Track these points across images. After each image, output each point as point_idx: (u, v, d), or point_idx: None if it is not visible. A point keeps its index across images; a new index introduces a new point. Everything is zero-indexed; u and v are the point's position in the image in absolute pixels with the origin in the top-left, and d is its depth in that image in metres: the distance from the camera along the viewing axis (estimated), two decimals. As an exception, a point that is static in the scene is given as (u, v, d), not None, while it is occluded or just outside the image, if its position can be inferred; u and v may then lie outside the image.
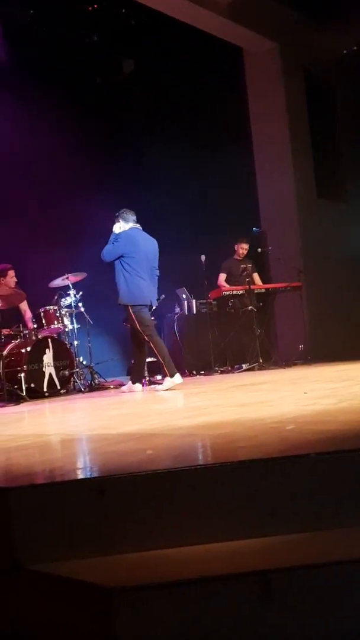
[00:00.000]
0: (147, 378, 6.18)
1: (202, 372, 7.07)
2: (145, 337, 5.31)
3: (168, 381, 5.25)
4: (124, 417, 3.30)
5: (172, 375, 5.24)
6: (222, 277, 7.43)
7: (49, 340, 6.19)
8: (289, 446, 1.84)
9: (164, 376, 5.31)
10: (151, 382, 6.13)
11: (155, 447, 2.08)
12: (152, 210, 7.19)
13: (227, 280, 7.41)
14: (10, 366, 5.88)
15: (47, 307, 6.31)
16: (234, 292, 7.14)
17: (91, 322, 6.64)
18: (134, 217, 5.54)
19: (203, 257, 7.00)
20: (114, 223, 5.52)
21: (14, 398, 5.62)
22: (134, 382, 5.53)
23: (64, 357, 6.22)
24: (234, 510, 1.61)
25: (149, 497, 1.60)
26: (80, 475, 1.72)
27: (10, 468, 1.95)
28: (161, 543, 1.57)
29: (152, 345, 5.33)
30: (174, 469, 1.64)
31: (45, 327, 6.27)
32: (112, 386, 6.38)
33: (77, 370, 6.28)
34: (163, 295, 6.02)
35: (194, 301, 7.42)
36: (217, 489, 1.62)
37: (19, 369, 5.86)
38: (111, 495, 1.58)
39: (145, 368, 6.21)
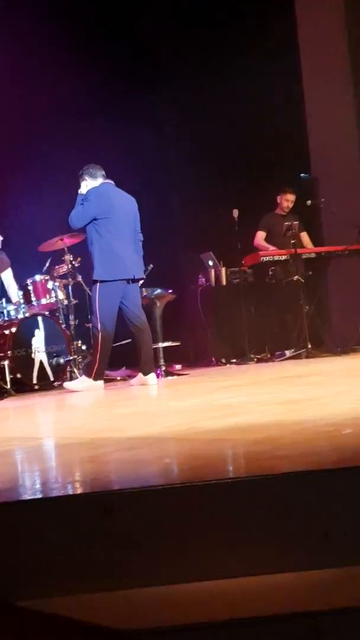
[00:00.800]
0: (163, 367, 6.22)
1: (234, 360, 7.09)
2: (98, 325, 5.46)
3: (86, 381, 5.43)
4: (135, 417, 3.33)
5: (97, 379, 5.43)
6: (261, 236, 7.39)
7: (40, 319, 6.24)
8: (346, 455, 1.83)
9: (88, 375, 5.49)
10: (168, 373, 6.17)
11: (174, 455, 2.09)
12: (170, 154, 7.18)
13: (267, 241, 7.37)
14: (-10, 352, 5.96)
15: (37, 277, 6.35)
16: (276, 258, 7.10)
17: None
18: (103, 172, 5.65)
19: (235, 212, 6.96)
20: (79, 185, 5.63)
21: (-4, 392, 5.71)
22: (145, 374, 5.59)
23: (58, 340, 6.29)
24: (274, 536, 1.62)
25: (167, 518, 1.61)
26: (80, 489, 1.74)
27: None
28: (182, 576, 1.58)
29: (98, 339, 5.47)
30: (198, 482, 1.65)
31: (34, 303, 6.33)
32: (118, 378, 6.44)
33: (75, 357, 6.34)
34: (151, 265, 6.07)
35: (223, 269, 7.41)
36: (252, 509, 1.63)
37: (1, 355, 5.94)
38: (119, 515, 1.59)
39: (161, 355, 6.26)
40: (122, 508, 1.61)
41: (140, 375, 5.65)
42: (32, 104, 7.80)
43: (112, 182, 5.67)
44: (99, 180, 5.63)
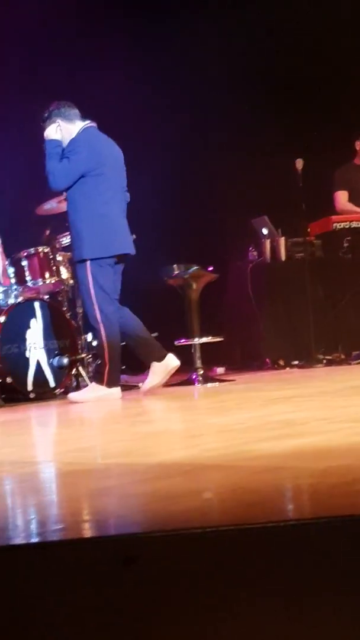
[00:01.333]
0: (201, 371, 6.25)
1: (296, 362, 7.08)
2: (97, 316, 5.53)
3: (96, 389, 5.52)
4: (163, 436, 3.36)
5: (110, 385, 5.51)
6: (343, 196, 7.36)
7: (37, 305, 6.30)
8: None
9: (98, 382, 5.59)
10: (207, 378, 6.19)
11: (217, 487, 2.10)
12: (209, 87, 7.18)
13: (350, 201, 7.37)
14: (-28, 348, 6.03)
15: (34, 249, 6.40)
16: (354, 224, 7.07)
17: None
18: (77, 111, 5.71)
19: (299, 163, 6.94)
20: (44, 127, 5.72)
21: (-20, 402, 5.78)
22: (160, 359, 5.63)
23: (61, 334, 6.34)
24: (351, 597, 1.62)
25: (206, 572, 1.63)
26: (91, 532, 1.76)
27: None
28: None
29: (101, 334, 5.55)
30: (249, 525, 1.65)
31: (29, 284, 6.38)
32: (139, 384, 6.47)
33: (83, 356, 6.38)
34: (134, 235, 6.08)
35: (282, 239, 7.41)
36: (321, 560, 1.63)
37: (-14, 353, 6.00)
38: (144, 567, 1.61)
39: (198, 355, 6.27)
40: (148, 557, 1.62)
41: (153, 369, 5.65)
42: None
43: (95, 124, 5.71)
44: (77, 124, 5.67)
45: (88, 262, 5.57)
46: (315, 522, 1.66)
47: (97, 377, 5.67)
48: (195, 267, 6.43)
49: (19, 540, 1.73)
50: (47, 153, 5.60)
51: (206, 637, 1.60)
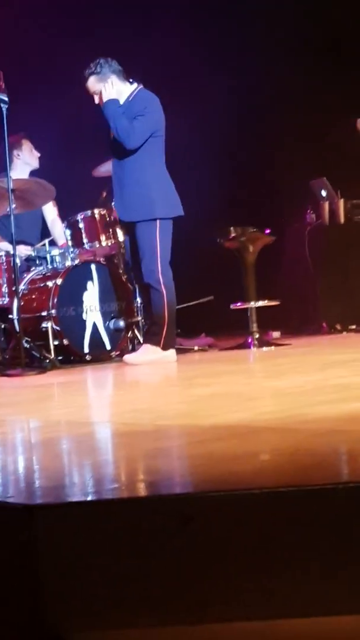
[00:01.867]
0: (257, 335, 6.24)
1: (354, 326, 7.04)
2: (160, 277, 5.66)
3: (152, 352, 5.62)
4: (219, 399, 3.36)
5: (166, 348, 5.62)
6: None
7: (94, 267, 6.33)
8: None
9: (154, 343, 5.69)
10: (263, 342, 6.18)
11: (274, 450, 2.10)
12: (270, 48, 7.10)
13: None
14: (30, 311, 6.09)
15: (91, 212, 6.41)
16: None
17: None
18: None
19: None
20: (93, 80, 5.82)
21: (37, 363, 5.83)
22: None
23: (118, 296, 6.38)
24: None
25: (264, 532, 1.63)
26: (149, 491, 1.77)
27: (33, 476, 2.04)
28: (284, 609, 1.60)
29: (163, 295, 5.66)
30: (306, 487, 1.65)
31: (86, 246, 6.40)
32: (196, 348, 6.49)
33: (140, 319, 6.41)
34: None
35: (341, 202, 7.31)
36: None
37: (44, 315, 6.05)
38: (200, 527, 1.62)
39: (253, 319, 6.26)
40: (204, 517, 1.63)
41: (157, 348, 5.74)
42: None
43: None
44: (127, 84, 5.81)
45: (158, 222, 5.67)
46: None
47: (153, 340, 5.69)
48: (252, 230, 6.39)
49: (75, 498, 1.75)
50: (111, 113, 5.63)
51: (262, 594, 1.61)
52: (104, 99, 5.66)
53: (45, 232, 6.80)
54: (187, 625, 1.60)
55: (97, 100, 5.74)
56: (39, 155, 6.79)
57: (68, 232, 6.45)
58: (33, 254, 6.50)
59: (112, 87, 5.67)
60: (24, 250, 6.37)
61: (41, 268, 6.40)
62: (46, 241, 6.53)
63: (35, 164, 6.75)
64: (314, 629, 1.59)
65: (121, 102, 5.75)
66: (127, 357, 5.74)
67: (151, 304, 5.78)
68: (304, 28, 8.21)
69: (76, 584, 1.62)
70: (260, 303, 6.44)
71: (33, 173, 6.76)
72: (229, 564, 1.63)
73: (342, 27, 8.09)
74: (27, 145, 6.77)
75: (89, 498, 1.74)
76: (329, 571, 1.62)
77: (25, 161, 6.71)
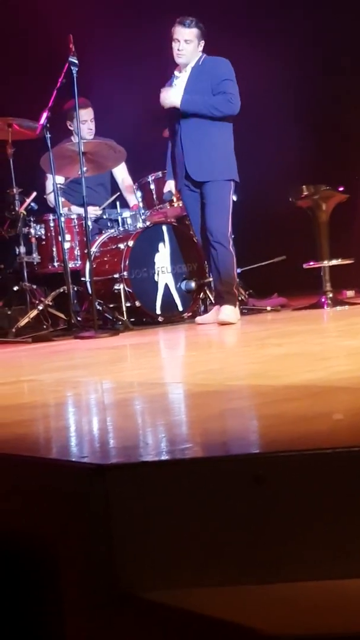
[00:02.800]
0: (330, 294, 6.19)
1: None
2: (229, 237, 5.72)
3: (237, 313, 5.67)
4: (293, 359, 3.34)
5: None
6: None
7: (165, 228, 6.33)
8: None
9: (234, 304, 5.68)
10: (337, 301, 6.12)
11: (348, 410, 2.09)
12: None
13: None
14: (102, 273, 6.13)
15: (162, 173, 6.40)
16: None
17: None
18: None
19: None
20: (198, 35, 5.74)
21: (109, 325, 5.88)
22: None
23: (189, 258, 6.37)
24: None
25: (338, 492, 1.62)
26: (222, 451, 1.77)
27: (108, 436, 2.06)
28: (355, 569, 1.60)
29: (232, 254, 5.74)
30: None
31: (157, 207, 6.40)
32: (269, 308, 6.46)
33: (211, 280, 6.40)
34: None
35: None
36: None
37: (116, 277, 6.08)
38: (274, 487, 1.62)
39: (327, 278, 6.21)
40: (278, 477, 1.63)
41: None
42: None
43: None
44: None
45: (232, 183, 5.70)
46: None
47: (231, 300, 5.63)
48: (325, 188, 6.31)
49: (148, 458, 1.77)
50: (201, 104, 5.61)
51: (336, 554, 1.60)
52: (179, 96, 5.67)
53: (114, 193, 6.81)
54: (255, 584, 1.61)
55: (181, 47, 5.69)
56: (92, 130, 6.76)
57: (139, 193, 6.46)
58: (102, 215, 6.52)
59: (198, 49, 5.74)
60: (92, 211, 6.37)
61: (113, 230, 6.42)
62: (113, 198, 6.54)
63: (88, 136, 6.67)
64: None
65: (192, 64, 5.73)
66: (222, 318, 5.59)
67: (217, 264, 5.71)
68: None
69: (148, 543, 1.64)
70: (334, 262, 6.37)
71: (103, 134, 6.75)
72: (301, 524, 1.63)
73: None
74: (81, 117, 6.71)
75: (161, 458, 1.76)
76: None
77: (87, 128, 6.70)
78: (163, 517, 1.65)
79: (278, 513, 1.63)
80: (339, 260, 6.43)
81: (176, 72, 5.84)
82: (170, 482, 1.67)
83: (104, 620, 1.69)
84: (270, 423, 1.97)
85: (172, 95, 5.64)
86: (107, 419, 2.35)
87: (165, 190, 5.99)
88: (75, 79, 5.54)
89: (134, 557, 1.65)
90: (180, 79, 5.78)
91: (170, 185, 6.11)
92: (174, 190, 6.08)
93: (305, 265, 6.42)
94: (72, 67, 5.52)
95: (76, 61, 5.52)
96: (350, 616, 1.50)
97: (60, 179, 6.14)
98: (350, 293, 6.89)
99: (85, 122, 6.62)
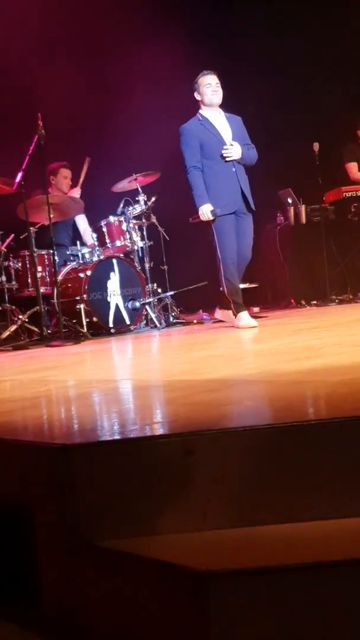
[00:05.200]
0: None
1: (315, 302, 7.00)
2: None
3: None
4: (213, 359, 3.34)
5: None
6: (354, 167, 7.16)
7: (114, 261, 6.29)
8: None
9: (230, 309, 5.34)
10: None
11: (255, 397, 2.09)
12: (242, 84, 7.01)
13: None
14: (66, 295, 6.07)
15: (111, 219, 6.38)
16: (359, 193, 6.91)
17: (167, 238, 6.67)
18: None
19: (316, 146, 6.77)
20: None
21: (73, 335, 5.82)
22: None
23: (133, 283, 6.34)
24: (358, 479, 1.61)
25: (249, 460, 1.62)
26: (160, 430, 1.76)
27: (72, 421, 2.03)
28: (265, 518, 1.60)
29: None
30: (281, 424, 1.65)
31: (108, 245, 6.37)
32: (195, 321, 6.46)
33: (151, 300, 6.38)
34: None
35: (302, 207, 7.26)
36: (336, 451, 1.62)
37: (77, 298, 6.03)
38: (200, 457, 1.61)
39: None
40: (204, 449, 1.62)
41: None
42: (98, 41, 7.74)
43: None
44: None
45: None
46: (332, 422, 1.65)
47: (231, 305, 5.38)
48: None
49: (108, 437, 1.75)
50: (246, 155, 5.31)
51: (247, 506, 1.60)
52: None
53: (76, 236, 6.76)
54: (188, 532, 1.60)
55: (217, 89, 5.31)
56: (70, 184, 6.71)
57: (94, 235, 6.43)
58: (66, 251, 6.43)
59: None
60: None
61: (74, 263, 6.36)
62: (78, 243, 6.48)
63: (65, 190, 6.66)
64: (300, 531, 1.59)
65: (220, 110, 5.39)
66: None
67: (240, 277, 5.46)
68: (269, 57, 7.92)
69: (105, 504, 1.62)
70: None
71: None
72: (224, 484, 1.63)
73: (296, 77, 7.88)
74: (62, 174, 6.70)
75: (114, 437, 1.74)
76: (302, 487, 1.62)
77: (57, 186, 6.66)
78: (116, 483, 1.63)
79: (204, 477, 1.63)
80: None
81: (206, 115, 5.38)
82: (121, 456, 1.65)
83: (72, 564, 1.67)
84: (197, 408, 1.97)
85: (237, 152, 5.26)
86: (71, 408, 2.32)
87: (210, 209, 5.23)
88: (43, 148, 5.48)
89: (94, 515, 1.63)
90: (217, 121, 5.37)
91: (210, 206, 5.33)
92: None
93: (221, 289, 6.42)
94: (41, 140, 5.47)
95: (44, 133, 5.46)
96: (260, 554, 1.50)
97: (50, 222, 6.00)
98: (255, 309, 6.93)
99: (66, 178, 6.65)
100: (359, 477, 1.62)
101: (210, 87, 5.31)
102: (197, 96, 5.37)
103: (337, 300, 6.83)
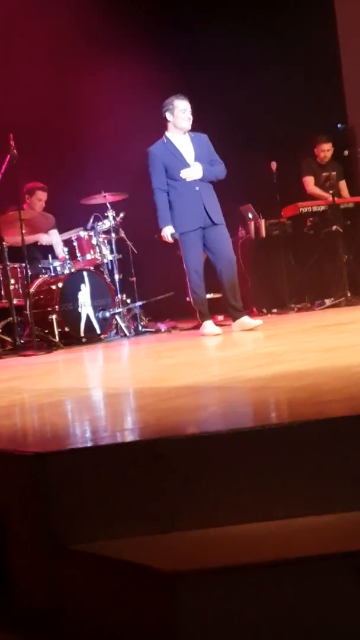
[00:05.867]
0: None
1: (275, 310, 7.03)
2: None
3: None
4: (180, 367, 3.33)
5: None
6: (311, 181, 7.21)
7: (85, 274, 6.26)
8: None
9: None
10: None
11: (220, 402, 2.09)
12: (204, 104, 7.03)
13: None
14: (39, 307, 6.01)
15: (81, 234, 6.35)
16: (314, 208, 6.97)
17: (135, 251, 6.65)
18: None
19: (274, 165, 6.82)
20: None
21: (45, 345, 5.77)
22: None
23: (103, 294, 6.30)
24: (318, 479, 1.61)
25: (214, 464, 1.62)
26: (130, 437, 1.75)
27: (45, 429, 2.01)
28: (229, 519, 1.59)
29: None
30: (244, 429, 1.64)
31: (79, 258, 6.34)
32: (162, 329, 6.45)
33: (121, 310, 6.36)
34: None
35: (262, 221, 7.29)
36: (297, 454, 1.62)
37: (49, 309, 5.98)
38: (168, 461, 1.60)
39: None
40: (171, 454, 1.61)
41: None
42: (69, 63, 7.72)
43: None
44: None
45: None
46: (292, 426, 1.65)
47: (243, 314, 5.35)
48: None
49: (80, 444, 1.73)
50: (208, 172, 5.25)
51: (213, 508, 1.59)
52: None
53: (47, 250, 6.69)
54: (160, 533, 1.59)
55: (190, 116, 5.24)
56: (43, 207, 6.63)
57: (65, 249, 6.39)
58: (38, 264, 6.38)
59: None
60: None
61: (46, 276, 6.31)
62: (50, 256, 6.41)
63: (38, 209, 6.56)
64: (262, 530, 1.58)
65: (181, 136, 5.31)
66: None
67: (231, 285, 5.38)
68: (226, 81, 7.95)
69: (77, 508, 1.60)
70: (209, 296, 6.41)
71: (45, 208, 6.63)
72: (190, 488, 1.62)
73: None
74: (37, 196, 6.61)
75: (86, 445, 1.72)
76: (264, 488, 1.62)
77: (30, 206, 6.59)
78: (88, 489, 1.61)
79: (171, 480, 1.62)
80: (212, 294, 6.46)
81: (171, 137, 5.32)
82: (92, 462, 1.63)
83: (46, 568, 1.64)
84: (164, 415, 1.96)
85: (198, 172, 5.22)
86: (45, 416, 2.29)
87: (170, 232, 5.21)
88: (16, 168, 5.42)
89: (68, 520, 1.60)
90: (181, 143, 5.32)
91: (171, 229, 5.30)
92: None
93: (188, 298, 6.42)
94: (13, 160, 5.42)
95: (15, 153, 5.42)
96: (225, 553, 1.49)
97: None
98: (220, 317, 6.94)
99: (40, 200, 6.56)
100: (317, 478, 1.62)
101: (185, 113, 5.27)
102: (168, 117, 5.30)
103: (295, 309, 6.87)
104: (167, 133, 5.37)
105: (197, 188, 5.27)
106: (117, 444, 1.67)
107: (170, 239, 5.28)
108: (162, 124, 5.41)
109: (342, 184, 7.19)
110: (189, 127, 5.32)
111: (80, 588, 1.59)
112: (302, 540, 1.50)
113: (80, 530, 1.59)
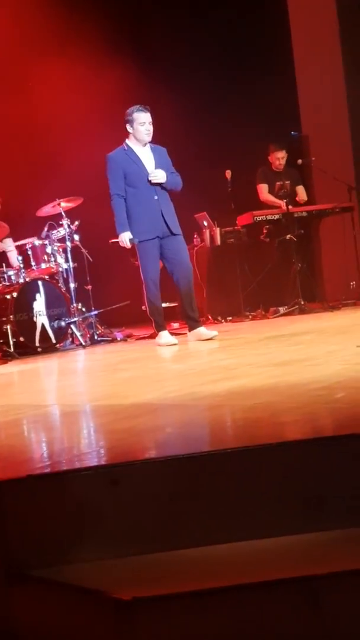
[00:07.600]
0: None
1: (230, 318, 7.09)
2: None
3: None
4: (136, 381, 3.34)
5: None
6: (265, 189, 7.29)
7: (40, 283, 6.22)
8: (340, 422, 1.85)
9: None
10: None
11: (176, 423, 2.11)
12: (160, 113, 7.06)
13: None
14: (-8, 317, 5.96)
15: (36, 242, 6.31)
16: (269, 217, 7.06)
17: (90, 260, 6.64)
18: None
19: (228, 173, 6.88)
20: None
21: (1, 355, 5.72)
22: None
23: (58, 303, 6.28)
24: (273, 502, 1.65)
25: (170, 488, 1.64)
26: (87, 462, 1.76)
27: (2, 451, 2.00)
28: (186, 542, 1.62)
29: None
30: (197, 454, 1.67)
31: (34, 267, 6.30)
32: (118, 338, 6.45)
33: (76, 319, 6.34)
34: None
35: (217, 230, 7.36)
36: (253, 477, 1.66)
37: (4, 319, 5.93)
38: (126, 487, 1.62)
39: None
40: (128, 479, 1.63)
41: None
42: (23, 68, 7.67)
43: None
44: None
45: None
46: (248, 450, 1.68)
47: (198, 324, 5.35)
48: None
49: (38, 469, 1.73)
50: (170, 180, 5.26)
51: (169, 532, 1.62)
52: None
53: (1, 257, 6.63)
54: (119, 557, 1.61)
55: (150, 128, 5.26)
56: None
57: (20, 257, 6.34)
58: None
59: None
60: None
61: (0, 285, 6.26)
62: (4, 265, 6.36)
63: None
64: (218, 554, 1.61)
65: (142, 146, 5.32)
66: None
67: (187, 294, 5.36)
68: (184, 90, 8.01)
69: (33, 534, 1.61)
70: (164, 304, 6.42)
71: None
72: (147, 512, 1.64)
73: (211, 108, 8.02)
74: None
75: (43, 471, 1.72)
76: (220, 511, 1.65)
77: None
78: (45, 515, 1.62)
79: (129, 504, 1.64)
80: (167, 303, 6.50)
81: (132, 146, 5.30)
82: (49, 488, 1.64)
83: (3, 592, 1.64)
84: (120, 437, 1.97)
85: (162, 176, 5.22)
86: (1, 438, 2.28)
87: (128, 237, 5.18)
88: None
89: (25, 546, 1.61)
90: (141, 152, 5.32)
91: (129, 234, 5.27)
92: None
93: (143, 307, 6.44)
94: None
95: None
96: (180, 578, 1.52)
97: None
98: (175, 325, 6.97)
99: None
100: (275, 500, 1.65)
101: (144, 126, 5.28)
102: (129, 129, 5.31)
103: (250, 316, 6.94)
104: (127, 141, 5.37)
105: (155, 197, 5.29)
106: (74, 470, 1.69)
107: (128, 245, 5.28)
108: (117, 130, 5.43)
109: (300, 189, 7.29)
110: (149, 140, 5.34)
111: (37, 613, 1.60)
112: (259, 564, 1.53)
113: (38, 556, 1.60)
